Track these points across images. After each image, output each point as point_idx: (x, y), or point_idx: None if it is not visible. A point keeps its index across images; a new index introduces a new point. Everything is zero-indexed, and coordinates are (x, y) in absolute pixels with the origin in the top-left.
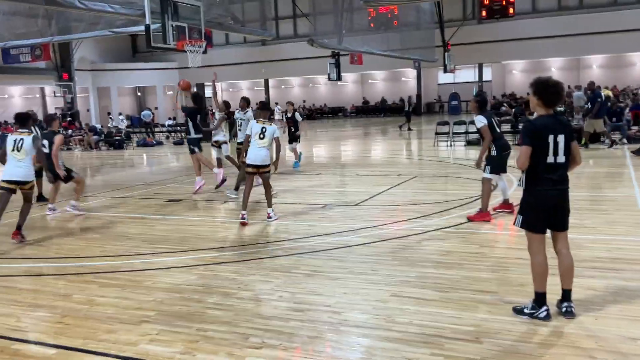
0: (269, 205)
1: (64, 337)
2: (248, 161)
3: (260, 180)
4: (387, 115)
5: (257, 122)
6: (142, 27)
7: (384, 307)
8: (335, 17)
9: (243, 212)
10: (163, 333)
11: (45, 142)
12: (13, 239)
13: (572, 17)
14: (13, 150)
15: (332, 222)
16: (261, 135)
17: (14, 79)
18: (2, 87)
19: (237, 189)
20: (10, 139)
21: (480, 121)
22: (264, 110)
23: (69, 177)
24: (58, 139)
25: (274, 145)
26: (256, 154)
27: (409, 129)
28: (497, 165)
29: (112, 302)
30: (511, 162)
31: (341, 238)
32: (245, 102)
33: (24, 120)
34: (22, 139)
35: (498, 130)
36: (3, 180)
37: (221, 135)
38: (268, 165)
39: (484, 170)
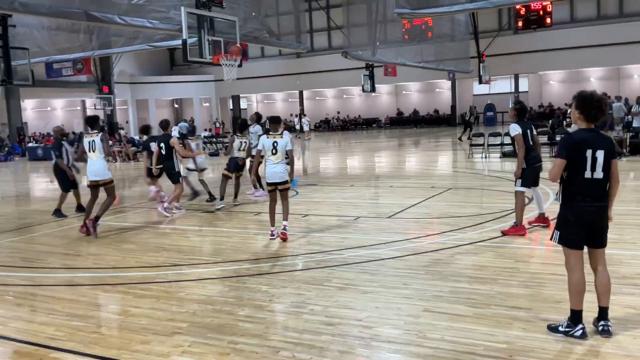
0: (285, 218)
1: (99, 347)
2: (267, 180)
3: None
4: (421, 126)
5: (268, 136)
6: (180, 42)
7: (416, 322)
8: (368, 29)
9: (272, 229)
10: (195, 345)
11: (163, 144)
12: (81, 230)
13: (612, 26)
14: (89, 151)
15: (364, 235)
16: (273, 151)
17: (57, 92)
18: (45, 100)
19: (222, 198)
20: (85, 141)
21: (515, 130)
22: (275, 123)
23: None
24: (173, 141)
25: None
26: (272, 171)
27: (470, 139)
28: (529, 178)
29: (146, 313)
30: (545, 174)
31: (373, 251)
32: (255, 117)
33: (93, 121)
34: (93, 140)
35: (530, 142)
36: (89, 180)
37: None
38: (287, 182)
39: (515, 184)
